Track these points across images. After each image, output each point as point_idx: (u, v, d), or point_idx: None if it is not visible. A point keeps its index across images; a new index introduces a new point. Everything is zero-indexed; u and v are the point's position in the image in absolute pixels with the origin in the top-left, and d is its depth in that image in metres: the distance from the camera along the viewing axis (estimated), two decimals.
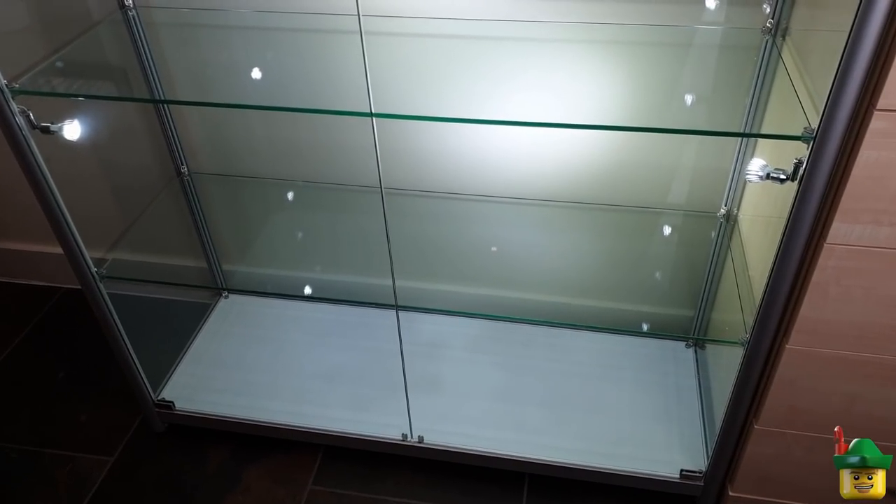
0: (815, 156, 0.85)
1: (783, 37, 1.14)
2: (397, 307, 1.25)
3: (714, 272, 1.46)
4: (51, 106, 1.13)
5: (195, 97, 1.40)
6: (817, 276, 0.93)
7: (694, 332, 1.59)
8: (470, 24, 1.25)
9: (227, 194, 1.66)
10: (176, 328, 1.71)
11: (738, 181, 1.34)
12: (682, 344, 1.61)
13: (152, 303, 1.66)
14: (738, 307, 1.22)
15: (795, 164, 0.89)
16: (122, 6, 1.32)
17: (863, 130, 0.80)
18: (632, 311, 1.63)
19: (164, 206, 1.59)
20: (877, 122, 0.78)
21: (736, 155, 1.29)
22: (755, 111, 1.17)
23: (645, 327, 1.65)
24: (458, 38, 1.28)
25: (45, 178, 1.13)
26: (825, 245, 0.90)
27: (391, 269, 1.17)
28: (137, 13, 1.33)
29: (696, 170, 1.39)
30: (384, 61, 1.17)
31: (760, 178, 0.94)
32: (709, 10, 1.19)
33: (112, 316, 1.35)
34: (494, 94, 1.26)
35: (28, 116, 1.07)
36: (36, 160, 1.10)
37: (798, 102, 0.95)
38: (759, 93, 1.15)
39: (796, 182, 0.89)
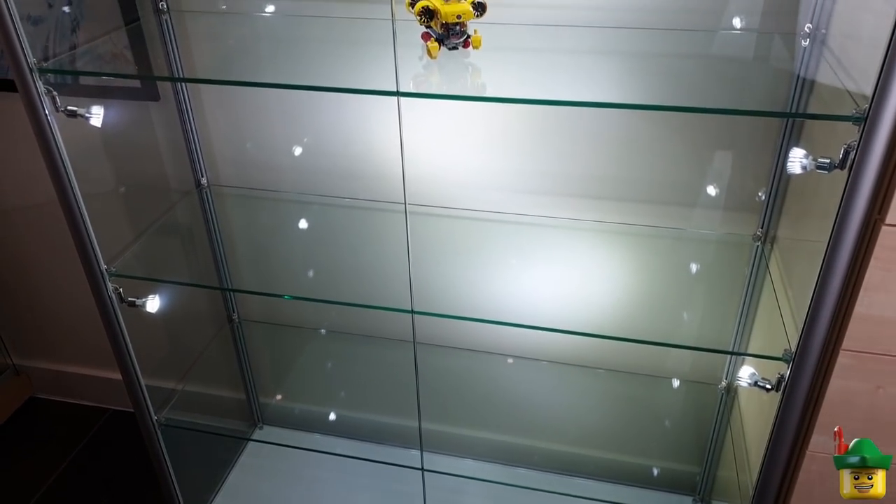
0: (793, 377, 0.99)
1: (771, 244, 1.30)
2: (423, 469, 1.38)
3: (717, 437, 1.57)
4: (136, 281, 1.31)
5: (255, 271, 1.58)
6: (802, 477, 1.04)
7: (700, 490, 1.68)
8: (498, 215, 1.44)
9: (271, 339, 1.83)
10: (215, 457, 1.83)
11: (737, 359, 1.47)
12: (689, 500, 1.70)
13: (195, 434, 1.79)
14: (742, 472, 1.33)
15: (778, 378, 1.02)
16: (199, 185, 1.54)
17: (832, 364, 0.94)
18: (641, 464, 1.73)
19: (214, 349, 1.75)
20: (843, 359, 0.93)
21: (734, 336, 1.43)
22: (745, 319, 1.32)
23: (655, 472, 1.75)
24: (487, 222, 1.47)
25: (126, 343, 1.30)
26: (808, 452, 1.02)
27: (420, 437, 1.31)
28: (210, 191, 1.54)
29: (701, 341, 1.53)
30: (424, 242, 1.36)
31: (749, 384, 1.08)
32: (705, 216, 1.36)
33: (164, 456, 1.48)
34: (518, 272, 1.43)
35: (119, 294, 1.25)
36: (122, 330, 1.27)
37: (781, 320, 1.10)
38: (749, 302, 1.30)
39: (780, 393, 1.03)
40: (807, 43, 1.12)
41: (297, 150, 1.51)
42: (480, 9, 1.06)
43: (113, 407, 2.11)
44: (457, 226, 1.48)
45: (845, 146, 0.84)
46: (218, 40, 1.40)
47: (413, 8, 1.07)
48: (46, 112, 1.07)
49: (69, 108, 1.09)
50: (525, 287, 1.35)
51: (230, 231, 1.57)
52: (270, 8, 1.35)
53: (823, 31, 1.10)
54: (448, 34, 1.07)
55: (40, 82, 1.05)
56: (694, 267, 1.38)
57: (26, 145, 1.64)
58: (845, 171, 0.84)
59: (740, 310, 1.31)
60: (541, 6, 1.22)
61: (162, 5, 1.35)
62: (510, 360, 1.66)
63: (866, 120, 0.80)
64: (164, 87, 1.49)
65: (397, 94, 1.00)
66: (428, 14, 1.06)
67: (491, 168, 1.42)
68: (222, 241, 1.55)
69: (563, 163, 1.38)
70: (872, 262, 0.85)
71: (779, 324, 1.11)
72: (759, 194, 1.30)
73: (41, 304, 1.97)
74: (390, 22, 0.99)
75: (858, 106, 0.83)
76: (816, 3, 1.10)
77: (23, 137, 1.63)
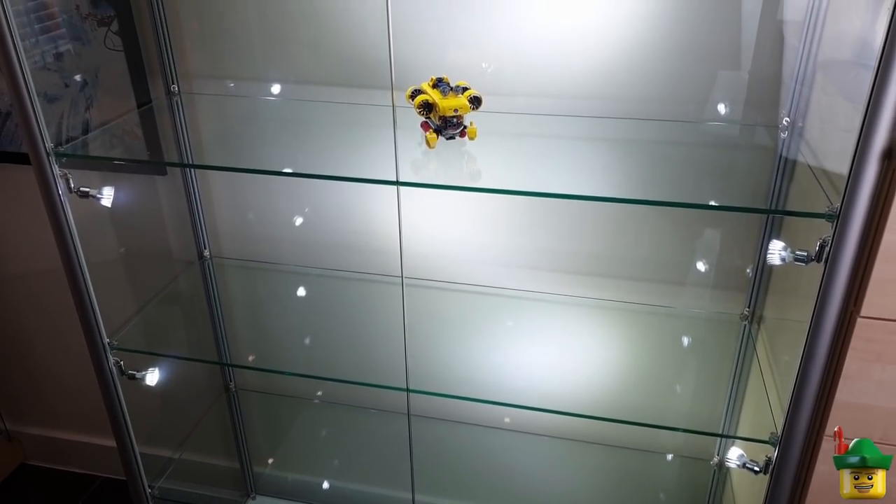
0: (780, 460, 1.01)
1: (759, 324, 1.34)
2: None
3: None
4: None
5: (254, 342, 1.61)
6: None
7: None
8: (492, 290, 1.48)
9: (267, 408, 1.83)
10: None
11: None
12: None
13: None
14: None
15: (766, 461, 1.04)
16: (201, 256, 1.58)
17: (817, 449, 0.96)
18: None
19: (209, 418, 1.76)
20: (827, 445, 0.95)
21: (724, 415, 1.45)
22: (735, 399, 1.35)
23: None
24: (481, 296, 1.51)
25: (123, 415, 1.31)
26: None
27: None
28: (212, 262, 1.58)
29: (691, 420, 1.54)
30: (420, 316, 1.39)
31: (738, 466, 1.09)
32: (694, 294, 1.40)
33: None
34: (512, 348, 1.46)
35: (120, 367, 1.27)
36: (120, 402, 1.29)
37: (768, 401, 1.13)
38: (738, 382, 1.33)
39: (767, 475, 1.05)
40: (785, 135, 1.18)
41: (298, 222, 1.55)
42: (476, 102, 1.13)
43: (103, 475, 2.09)
44: (452, 300, 1.51)
45: (820, 240, 0.88)
46: (226, 121, 1.46)
47: (413, 100, 1.14)
48: (60, 193, 1.12)
49: (82, 189, 1.14)
50: (519, 362, 1.38)
51: (230, 303, 1.61)
52: (276, 89, 1.42)
53: (800, 123, 1.17)
54: (446, 125, 1.13)
55: (56, 166, 1.10)
56: (684, 346, 1.41)
57: (29, 214, 1.68)
58: (822, 264, 0.89)
59: (729, 389, 1.34)
60: (534, 95, 1.29)
61: (173, 88, 1.42)
62: (507, 419, 1.66)
63: (838, 218, 0.85)
64: (168, 154, 1.53)
65: (397, 183, 1.05)
66: (427, 107, 1.12)
67: (486, 243, 1.47)
68: (222, 313, 1.58)
69: (557, 239, 1.42)
70: (850, 353, 0.88)
71: (766, 405, 1.13)
72: (748, 270, 1.34)
73: (36, 369, 1.98)
74: (391, 108, 1.05)
75: (832, 203, 0.88)
76: (793, 97, 1.17)
77: (25, 206, 1.68)
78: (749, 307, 1.34)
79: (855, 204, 0.83)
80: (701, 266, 1.39)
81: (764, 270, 1.31)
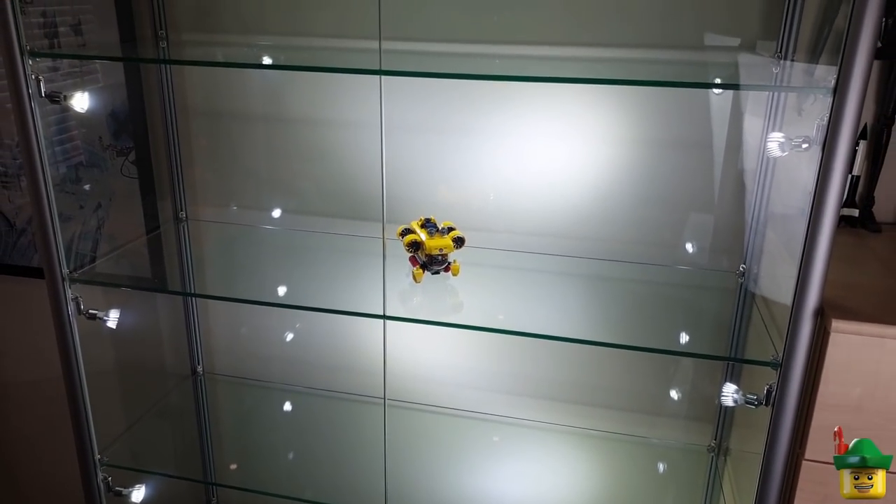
0: None
1: (725, 457, 1.39)
2: None
3: None
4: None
5: (240, 460, 1.64)
6: None
7: None
8: (473, 414, 1.54)
9: None
10: None
11: None
12: None
13: None
14: None
15: None
16: (194, 372, 1.64)
17: None
18: None
19: None
20: None
21: None
22: None
23: None
24: (462, 420, 1.56)
25: None
26: None
27: None
28: (205, 378, 1.64)
29: None
30: (401, 439, 1.44)
31: None
32: (664, 425, 1.46)
33: None
34: (490, 475, 1.50)
35: (108, 483, 1.31)
36: None
37: None
38: None
39: None
40: (742, 281, 1.29)
41: (289, 340, 1.63)
42: (460, 243, 1.24)
43: None
44: (433, 423, 1.57)
45: (767, 386, 0.97)
46: (229, 248, 1.57)
47: (403, 238, 1.25)
48: (70, 314, 1.20)
49: (90, 311, 1.22)
50: (497, 488, 1.42)
51: (219, 419, 1.65)
52: (277, 218, 1.54)
53: (755, 270, 1.27)
54: (431, 262, 1.23)
55: (70, 290, 1.19)
56: (657, 477, 1.45)
57: (29, 325, 1.74)
58: (769, 409, 0.97)
59: None
60: (515, 232, 1.40)
61: (181, 214, 1.53)
62: None
63: (781, 367, 0.94)
64: (172, 278, 1.63)
65: (384, 317, 1.15)
66: (415, 246, 1.23)
67: (467, 368, 1.54)
68: (210, 430, 1.62)
69: (536, 367, 1.50)
70: (798, 493, 0.94)
71: None
72: (716, 402, 1.41)
73: (15, 478, 1.97)
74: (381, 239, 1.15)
75: (777, 352, 0.97)
76: (748, 245, 1.28)
77: (27, 317, 1.74)
78: (716, 439, 1.40)
79: (794, 356, 0.92)
80: (672, 397, 1.45)
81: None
